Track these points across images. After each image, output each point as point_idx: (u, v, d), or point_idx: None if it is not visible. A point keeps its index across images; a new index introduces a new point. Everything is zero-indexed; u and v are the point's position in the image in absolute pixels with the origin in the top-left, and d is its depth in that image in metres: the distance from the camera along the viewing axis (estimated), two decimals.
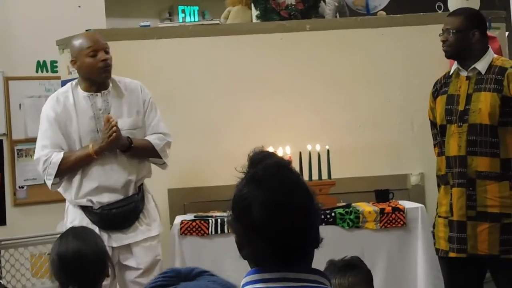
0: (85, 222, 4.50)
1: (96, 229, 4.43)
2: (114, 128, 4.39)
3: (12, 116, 7.58)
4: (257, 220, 2.01)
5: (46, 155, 4.51)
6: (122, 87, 4.66)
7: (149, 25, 5.79)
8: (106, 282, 3.46)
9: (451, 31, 4.45)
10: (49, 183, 4.57)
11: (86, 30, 5.76)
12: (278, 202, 2.02)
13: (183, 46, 5.66)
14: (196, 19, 5.82)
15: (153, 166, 4.80)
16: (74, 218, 4.60)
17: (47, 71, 7.82)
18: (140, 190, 4.68)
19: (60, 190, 4.68)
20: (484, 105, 4.36)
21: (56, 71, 7.33)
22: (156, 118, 4.72)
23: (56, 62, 7.28)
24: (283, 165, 2.12)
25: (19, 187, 7.60)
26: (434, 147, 4.76)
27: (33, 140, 7.60)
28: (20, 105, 7.63)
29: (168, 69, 5.54)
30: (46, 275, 5.95)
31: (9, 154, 7.56)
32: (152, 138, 4.66)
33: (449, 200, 4.47)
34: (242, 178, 2.10)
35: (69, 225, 4.48)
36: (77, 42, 4.57)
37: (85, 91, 4.59)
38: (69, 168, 4.52)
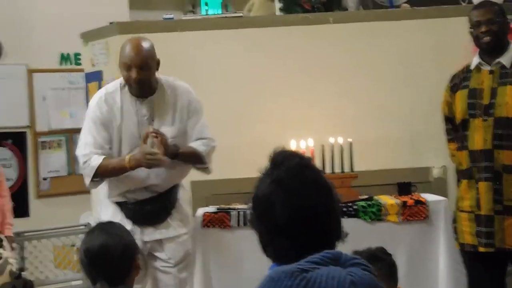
0: (119, 216, 4.49)
1: (130, 224, 4.43)
2: (159, 158, 4.30)
3: (36, 108, 7.62)
4: (280, 221, 2.02)
5: (87, 155, 4.45)
6: (169, 92, 4.55)
7: (172, 18, 5.80)
8: (139, 276, 3.46)
9: (496, 20, 4.41)
10: (86, 182, 4.54)
11: (110, 23, 5.78)
12: (302, 203, 2.03)
13: (206, 39, 5.66)
14: (219, 11, 5.79)
15: None
16: (107, 211, 4.60)
17: (70, 63, 7.85)
18: (176, 186, 4.67)
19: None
20: (510, 98, 4.35)
21: (80, 64, 7.35)
22: (200, 123, 4.60)
23: (79, 54, 7.29)
24: (305, 165, 2.12)
25: (43, 179, 7.64)
26: (448, 142, 4.73)
27: (56, 132, 7.72)
28: (43, 97, 7.67)
29: (191, 61, 5.54)
30: (69, 266, 6.00)
31: (33, 146, 7.60)
32: (197, 144, 4.56)
33: (475, 194, 4.45)
34: (262, 177, 2.11)
35: (102, 217, 4.51)
36: (121, 50, 4.46)
37: (132, 95, 4.51)
38: (105, 175, 4.48)
